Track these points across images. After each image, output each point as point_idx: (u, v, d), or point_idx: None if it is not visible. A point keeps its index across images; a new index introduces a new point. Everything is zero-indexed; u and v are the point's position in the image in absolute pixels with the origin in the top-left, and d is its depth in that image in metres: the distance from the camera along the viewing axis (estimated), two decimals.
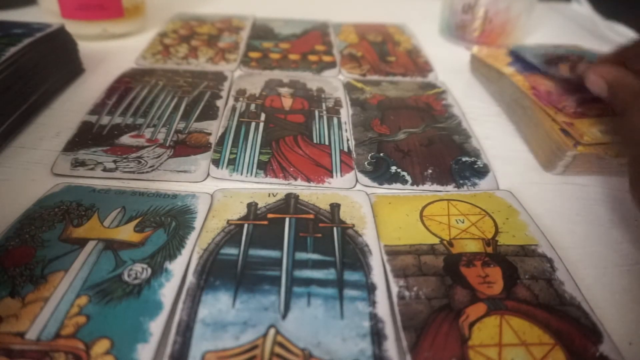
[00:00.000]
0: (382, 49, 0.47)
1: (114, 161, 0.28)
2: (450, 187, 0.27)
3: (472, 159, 0.30)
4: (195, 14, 0.54)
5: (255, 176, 0.27)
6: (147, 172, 0.27)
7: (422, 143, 0.31)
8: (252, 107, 0.34)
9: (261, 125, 0.32)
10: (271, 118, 0.33)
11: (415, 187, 0.27)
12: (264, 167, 0.28)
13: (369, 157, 0.29)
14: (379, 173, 0.28)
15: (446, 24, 0.51)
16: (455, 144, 0.31)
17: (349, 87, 0.38)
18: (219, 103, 0.35)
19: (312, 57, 0.44)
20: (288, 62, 0.43)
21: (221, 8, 0.56)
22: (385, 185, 0.27)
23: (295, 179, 0.27)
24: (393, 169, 0.29)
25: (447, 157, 0.30)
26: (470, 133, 0.33)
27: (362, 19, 0.55)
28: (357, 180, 0.28)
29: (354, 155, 0.30)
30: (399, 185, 0.27)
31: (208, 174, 0.27)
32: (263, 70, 0.41)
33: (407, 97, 0.37)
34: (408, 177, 0.28)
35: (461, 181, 0.28)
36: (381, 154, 0.30)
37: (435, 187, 0.27)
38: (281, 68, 0.42)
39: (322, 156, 0.29)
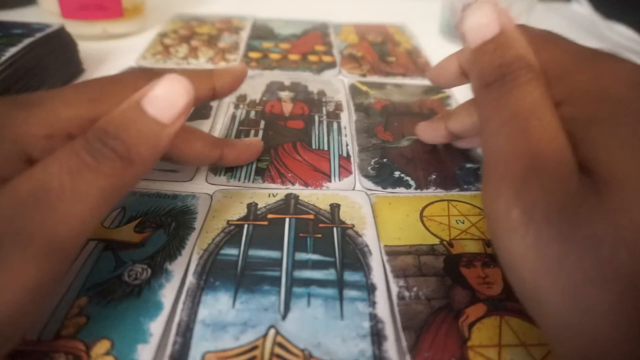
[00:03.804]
0: (382, 49, 0.47)
1: None
2: (454, 192, 0.27)
3: (477, 165, 0.30)
4: (195, 14, 0.54)
5: (253, 182, 0.27)
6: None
7: (425, 150, 0.31)
8: (252, 114, 0.34)
9: (260, 133, 0.32)
10: (271, 125, 0.33)
11: (419, 191, 0.27)
12: (262, 173, 0.28)
13: (372, 162, 0.29)
14: (383, 177, 0.28)
15: (446, 24, 0.51)
16: (459, 150, 0.31)
17: (353, 91, 0.38)
18: (214, 102, 0.35)
19: (312, 58, 0.44)
20: (288, 62, 0.43)
21: (221, 8, 0.56)
22: (389, 189, 0.27)
23: (293, 184, 0.27)
24: (397, 173, 0.28)
25: (451, 163, 0.30)
26: None
27: (362, 19, 0.55)
28: (355, 185, 0.27)
29: (356, 160, 0.29)
30: (402, 190, 0.27)
31: (206, 179, 0.27)
32: (263, 71, 0.41)
33: (411, 102, 0.37)
34: (412, 182, 0.28)
35: (465, 186, 0.28)
36: (384, 160, 0.30)
37: (440, 191, 0.27)
38: (281, 68, 0.42)
39: (321, 161, 0.29)
